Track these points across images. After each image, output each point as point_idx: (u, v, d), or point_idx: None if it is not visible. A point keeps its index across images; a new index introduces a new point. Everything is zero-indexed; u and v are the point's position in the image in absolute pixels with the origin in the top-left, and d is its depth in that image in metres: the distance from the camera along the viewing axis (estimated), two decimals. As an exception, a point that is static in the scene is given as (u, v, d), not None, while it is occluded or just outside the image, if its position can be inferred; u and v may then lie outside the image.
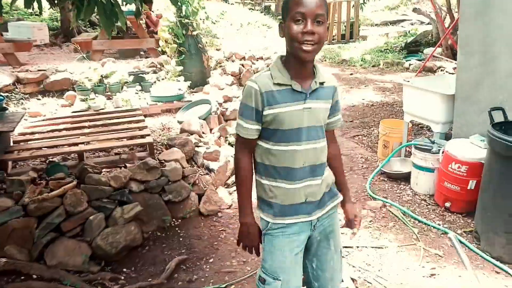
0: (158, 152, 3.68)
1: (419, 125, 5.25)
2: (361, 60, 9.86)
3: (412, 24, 14.32)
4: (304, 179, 1.58)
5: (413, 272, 2.77)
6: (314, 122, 1.57)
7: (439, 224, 3.29)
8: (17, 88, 4.84)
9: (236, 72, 6.25)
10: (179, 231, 3.29)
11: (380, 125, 4.63)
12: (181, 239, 3.20)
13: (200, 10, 5.68)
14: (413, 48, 10.22)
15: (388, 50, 10.49)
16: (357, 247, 3.02)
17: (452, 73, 6.75)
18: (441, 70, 8.07)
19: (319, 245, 1.71)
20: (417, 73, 7.77)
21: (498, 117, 3.03)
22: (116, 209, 3.02)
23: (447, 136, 3.99)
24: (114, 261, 2.93)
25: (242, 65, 6.57)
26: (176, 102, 4.90)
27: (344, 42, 12.48)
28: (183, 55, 5.48)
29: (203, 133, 4.23)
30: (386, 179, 4.12)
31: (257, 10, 13.74)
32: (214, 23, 8.10)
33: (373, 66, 9.54)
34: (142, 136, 3.66)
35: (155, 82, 5.46)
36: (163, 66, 5.84)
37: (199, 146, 3.93)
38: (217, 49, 6.90)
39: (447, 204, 3.44)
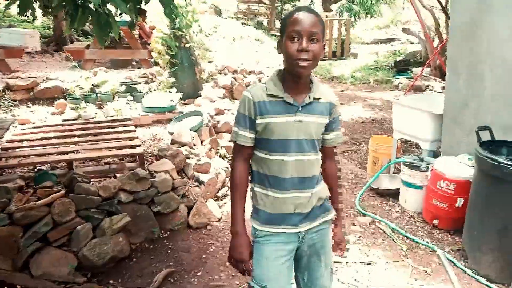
0: (148, 162, 3.66)
1: (408, 143, 5.31)
2: (352, 77, 10.02)
3: (401, 44, 14.65)
4: (292, 189, 1.61)
5: (401, 289, 2.77)
6: (304, 135, 1.60)
7: (427, 242, 3.32)
8: (6, 94, 4.78)
9: (228, 85, 6.27)
10: (167, 243, 3.26)
11: (369, 142, 4.68)
12: (169, 251, 3.17)
13: (193, 23, 5.71)
14: (402, 66, 10.43)
15: (378, 68, 10.69)
16: (346, 262, 3.02)
17: (441, 93, 6.87)
18: (430, 89, 8.23)
19: (310, 260, 1.72)
20: (406, 92, 7.89)
21: (486, 136, 3.09)
22: (105, 219, 2.99)
23: (436, 154, 4.04)
24: (101, 272, 2.88)
25: (234, 78, 6.59)
26: (167, 113, 4.89)
27: (335, 59, 12.66)
28: (176, 67, 5.48)
29: (194, 144, 4.21)
30: (375, 195, 4.15)
31: (249, 24, 13.87)
32: (207, 36, 8.14)
33: (363, 83, 9.69)
34: (133, 146, 3.63)
35: (147, 92, 5.45)
36: (155, 77, 5.84)
37: (190, 158, 3.91)
38: (209, 62, 6.92)
39: (435, 221, 3.48)
